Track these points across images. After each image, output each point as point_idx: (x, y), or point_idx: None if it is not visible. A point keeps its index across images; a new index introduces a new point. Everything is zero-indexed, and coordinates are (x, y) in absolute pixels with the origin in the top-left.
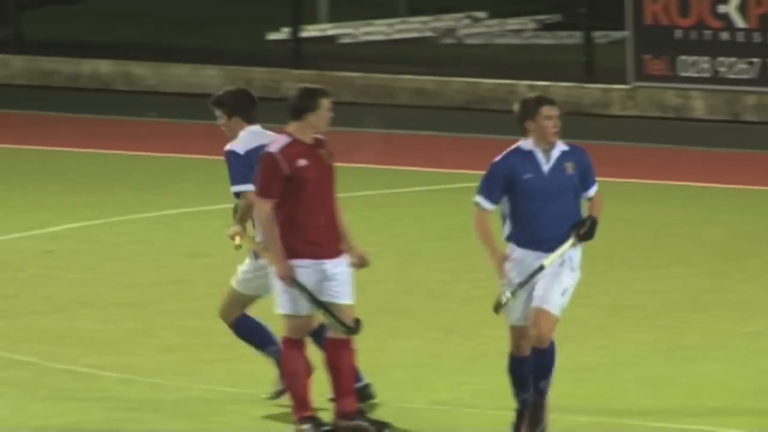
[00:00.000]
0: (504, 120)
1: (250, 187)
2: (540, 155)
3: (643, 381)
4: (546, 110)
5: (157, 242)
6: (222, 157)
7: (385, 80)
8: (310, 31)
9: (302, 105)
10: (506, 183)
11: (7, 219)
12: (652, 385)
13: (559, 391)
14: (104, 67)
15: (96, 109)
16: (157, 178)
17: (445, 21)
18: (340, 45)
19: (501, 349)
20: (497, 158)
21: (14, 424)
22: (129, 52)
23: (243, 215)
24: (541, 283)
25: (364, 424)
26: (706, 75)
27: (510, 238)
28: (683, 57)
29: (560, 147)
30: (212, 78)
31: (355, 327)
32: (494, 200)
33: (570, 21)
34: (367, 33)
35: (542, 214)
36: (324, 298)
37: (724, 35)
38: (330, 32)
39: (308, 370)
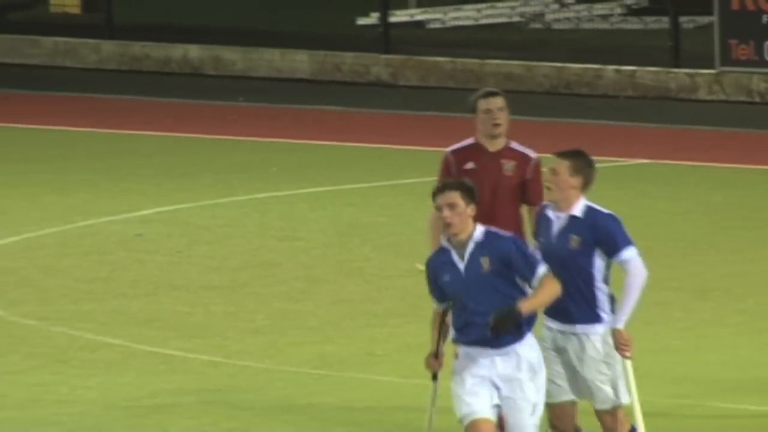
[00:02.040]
0: (590, 104)
1: None
2: (454, 254)
3: (727, 363)
4: (441, 199)
5: (247, 226)
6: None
7: (472, 65)
8: (398, 17)
9: (469, 105)
10: (436, 284)
11: (98, 202)
12: (737, 368)
13: (643, 372)
14: (194, 51)
15: (186, 93)
16: (246, 162)
17: (533, 6)
18: (428, 30)
19: None
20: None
21: (102, 405)
22: (219, 36)
23: None
24: (509, 413)
25: None
26: None
27: (454, 340)
28: None
29: (475, 238)
30: (301, 63)
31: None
32: (437, 299)
33: (657, 6)
34: (455, 18)
35: (470, 316)
36: None
37: None
38: (418, 17)
39: None
